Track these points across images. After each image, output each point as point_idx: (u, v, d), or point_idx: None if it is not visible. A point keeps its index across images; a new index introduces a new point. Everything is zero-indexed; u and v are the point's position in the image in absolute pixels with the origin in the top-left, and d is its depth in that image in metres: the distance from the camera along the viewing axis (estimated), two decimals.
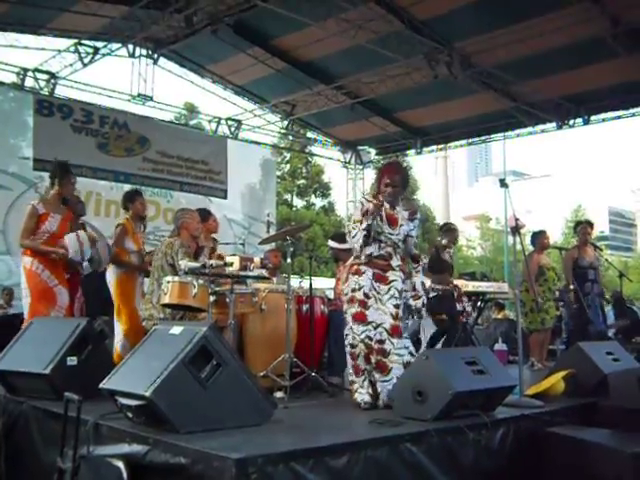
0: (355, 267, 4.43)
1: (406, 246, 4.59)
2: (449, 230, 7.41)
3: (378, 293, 4.37)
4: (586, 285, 7.46)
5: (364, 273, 4.38)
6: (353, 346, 4.34)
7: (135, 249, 5.89)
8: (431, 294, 6.41)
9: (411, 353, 4.41)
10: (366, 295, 4.34)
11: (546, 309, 7.39)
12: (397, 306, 4.37)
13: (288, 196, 29.41)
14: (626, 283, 9.00)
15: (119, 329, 5.75)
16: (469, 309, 7.17)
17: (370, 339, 4.29)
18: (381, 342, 4.28)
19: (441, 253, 7.07)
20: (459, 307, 6.82)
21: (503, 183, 4.75)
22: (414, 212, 4.65)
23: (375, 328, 4.30)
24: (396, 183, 4.50)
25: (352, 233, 4.41)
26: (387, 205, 4.48)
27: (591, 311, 7.33)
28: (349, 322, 4.39)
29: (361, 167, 15.03)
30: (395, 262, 4.46)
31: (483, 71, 10.11)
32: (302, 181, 30.02)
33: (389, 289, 4.38)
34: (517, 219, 4.82)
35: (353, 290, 4.38)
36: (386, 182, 4.48)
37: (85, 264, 5.64)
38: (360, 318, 4.33)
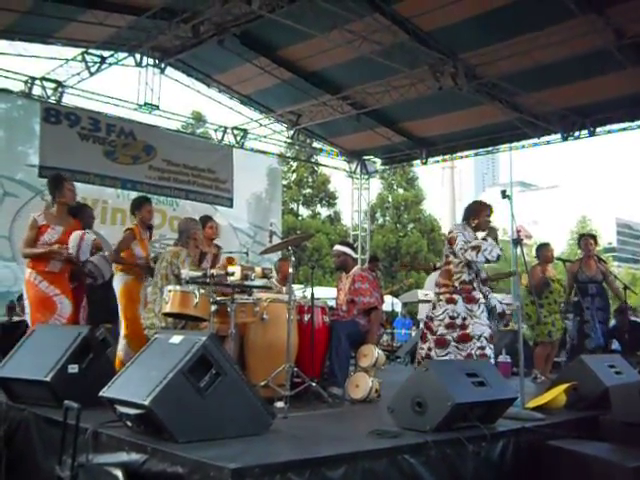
0: (448, 296, 5.08)
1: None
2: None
3: (471, 311, 5.04)
4: (586, 299, 7.44)
5: (457, 302, 5.05)
6: None
7: (142, 255, 5.92)
8: None
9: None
10: (464, 318, 5.02)
11: (552, 321, 7.34)
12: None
13: (294, 205, 29.47)
14: (632, 295, 8.90)
15: (122, 334, 5.77)
16: None
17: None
18: (482, 348, 4.95)
19: None
20: None
21: (505, 195, 4.78)
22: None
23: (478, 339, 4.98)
24: None
25: (485, 248, 4.98)
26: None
27: (589, 325, 7.32)
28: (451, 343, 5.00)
29: (367, 177, 15.04)
30: (476, 284, 5.18)
31: (488, 82, 10.11)
32: (308, 190, 30.09)
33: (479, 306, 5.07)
34: (519, 231, 4.84)
35: (452, 318, 5.02)
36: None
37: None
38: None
